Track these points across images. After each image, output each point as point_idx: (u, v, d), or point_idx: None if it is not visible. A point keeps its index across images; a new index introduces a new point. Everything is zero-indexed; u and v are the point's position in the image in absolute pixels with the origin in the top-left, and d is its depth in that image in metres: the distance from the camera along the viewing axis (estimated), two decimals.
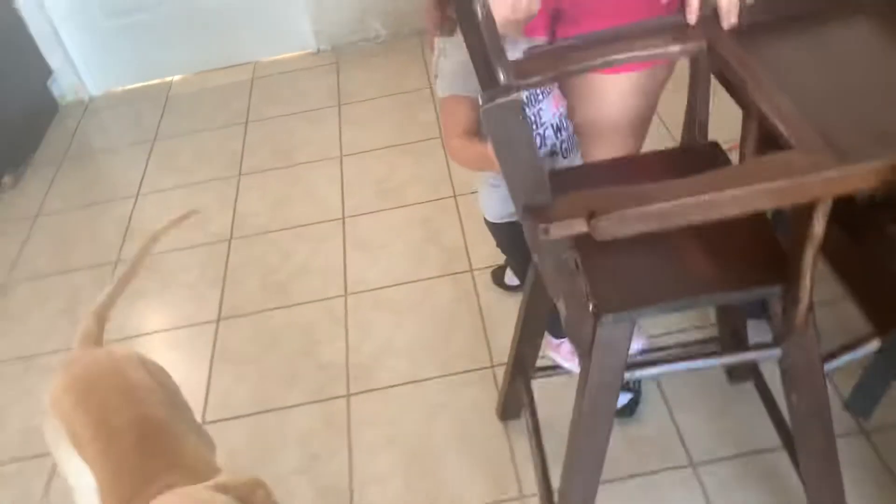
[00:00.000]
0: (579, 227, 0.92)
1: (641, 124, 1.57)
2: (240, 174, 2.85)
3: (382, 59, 3.38)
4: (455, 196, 2.57)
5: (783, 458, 1.69)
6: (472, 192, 2.55)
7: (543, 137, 1.46)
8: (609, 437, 1.22)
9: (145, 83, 3.47)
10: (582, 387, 1.16)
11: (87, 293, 2.45)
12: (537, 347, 1.68)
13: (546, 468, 1.57)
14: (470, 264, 2.31)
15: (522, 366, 1.70)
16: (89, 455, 1.20)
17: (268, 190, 2.76)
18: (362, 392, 2.01)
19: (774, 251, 1.11)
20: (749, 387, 1.85)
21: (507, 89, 0.86)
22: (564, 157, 1.49)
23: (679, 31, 1.18)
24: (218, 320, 2.29)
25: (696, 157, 1.30)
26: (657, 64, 1.46)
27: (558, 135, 1.47)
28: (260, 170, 2.86)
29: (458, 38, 1.34)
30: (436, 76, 1.41)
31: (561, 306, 1.06)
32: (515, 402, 1.82)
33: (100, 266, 2.55)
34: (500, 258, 2.25)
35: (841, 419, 1.74)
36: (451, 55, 1.37)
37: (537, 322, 1.60)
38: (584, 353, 1.12)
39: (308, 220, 2.59)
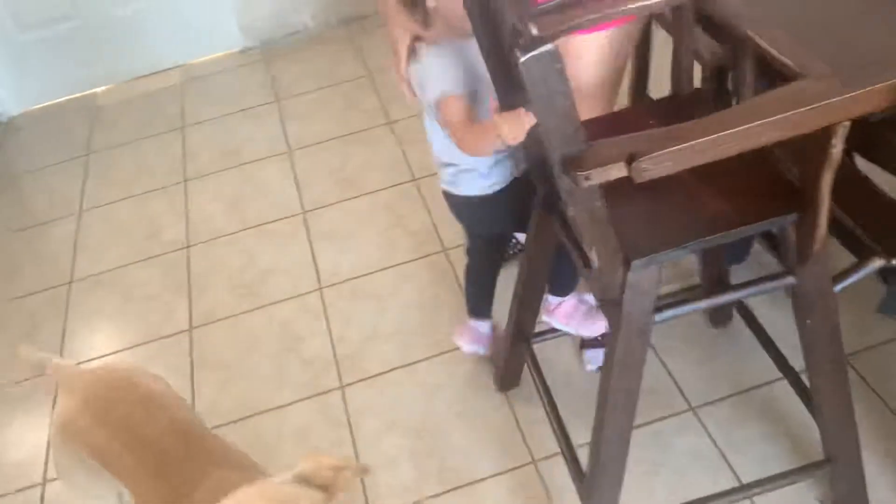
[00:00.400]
0: (618, 171, 0.93)
1: (617, 82, 1.61)
2: (185, 179, 2.77)
3: (313, 51, 3.32)
4: (415, 180, 2.56)
5: (774, 391, 1.78)
6: (432, 175, 2.55)
7: None
8: (640, 381, 1.25)
9: (68, 97, 3.31)
10: (614, 334, 1.18)
11: (45, 316, 2.34)
12: (536, 311, 1.70)
13: (563, 426, 1.60)
14: (442, 244, 2.31)
15: (522, 331, 1.72)
16: (123, 470, 1.15)
17: (219, 192, 2.68)
18: (355, 382, 1.99)
19: (781, 182, 1.16)
20: (731, 329, 1.92)
21: (542, 40, 0.87)
22: None
23: None
24: (190, 329, 2.22)
25: (686, 103, 1.33)
26: (631, 20, 1.49)
27: None
28: (207, 173, 2.78)
29: (434, 44, 1.42)
30: (418, 84, 1.45)
31: (593, 256, 1.08)
32: (514, 370, 1.84)
33: (54, 288, 2.43)
34: None
35: None
36: (428, 60, 1.42)
37: (537, 287, 1.62)
38: (615, 300, 1.14)
39: (267, 219, 2.53)
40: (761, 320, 1.71)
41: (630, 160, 0.92)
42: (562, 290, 1.74)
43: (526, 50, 0.86)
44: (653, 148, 0.91)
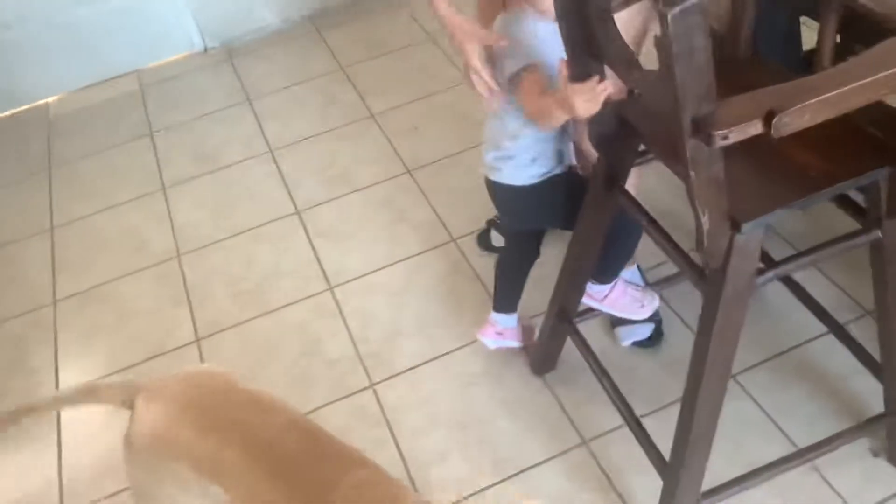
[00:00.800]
0: (756, 128, 0.92)
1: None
2: (164, 187, 2.63)
3: (279, 47, 3.22)
4: (409, 171, 2.50)
5: (809, 351, 1.82)
6: (426, 166, 2.51)
7: None
8: (736, 349, 1.24)
9: (16, 110, 3.11)
10: (713, 302, 1.17)
11: (32, 340, 2.19)
12: (583, 291, 1.68)
13: (625, 399, 1.58)
14: (450, 234, 2.26)
15: (566, 312, 1.69)
16: (243, 479, 1.06)
17: (202, 197, 2.56)
18: (386, 379, 1.93)
19: (865, 137, 1.17)
20: (754, 296, 1.95)
21: None
22: None
23: None
24: (198, 340, 2.11)
25: (744, 67, 1.33)
26: None
27: None
28: (186, 179, 2.65)
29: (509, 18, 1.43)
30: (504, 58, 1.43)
31: (705, 220, 1.06)
32: (553, 352, 1.82)
33: (37, 310, 2.27)
34: (480, 223, 2.22)
35: (844, 306, 1.87)
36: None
37: (587, 266, 1.60)
38: (717, 265, 1.13)
39: (259, 221, 2.44)
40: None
41: (769, 116, 0.90)
42: (607, 275, 1.71)
43: (671, 4, 0.84)
44: (791, 102, 0.90)
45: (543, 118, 1.36)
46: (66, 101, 3.14)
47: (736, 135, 0.91)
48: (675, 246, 1.27)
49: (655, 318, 1.88)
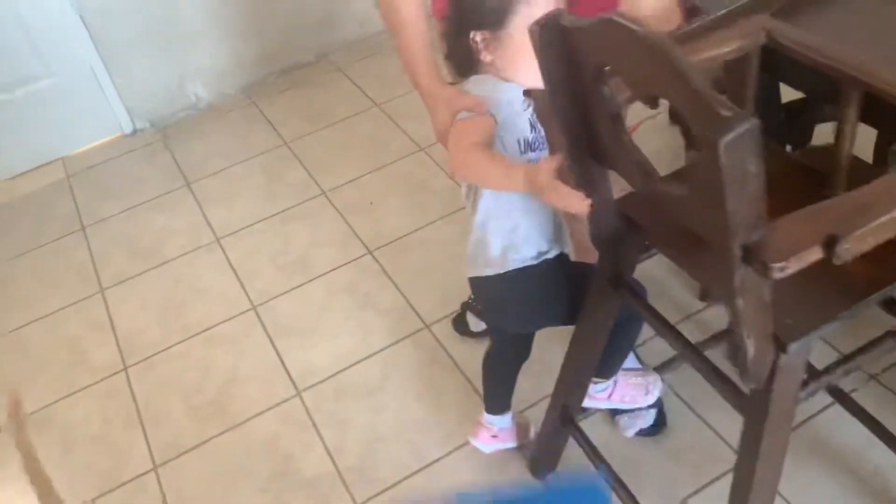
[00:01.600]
0: (814, 256, 0.81)
1: None
2: (102, 289, 2.41)
3: (214, 124, 3.04)
4: (370, 252, 2.35)
5: (818, 425, 1.72)
6: (387, 244, 2.36)
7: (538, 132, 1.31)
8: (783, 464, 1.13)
9: None
10: (758, 423, 1.05)
11: None
12: (586, 390, 1.55)
13: (636, 499, 1.45)
14: (422, 320, 2.11)
15: (569, 414, 1.56)
16: None
17: (146, 298, 2.35)
18: (372, 497, 1.75)
19: None
20: None
21: (743, 116, 0.72)
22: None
23: (731, 23, 1.12)
24: (155, 468, 1.90)
25: None
26: None
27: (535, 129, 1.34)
28: (126, 278, 2.43)
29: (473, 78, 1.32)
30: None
31: (750, 345, 0.94)
32: (555, 454, 1.68)
33: None
34: (454, 306, 2.08)
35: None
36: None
37: (589, 366, 1.47)
38: (760, 387, 1.01)
39: (212, 321, 2.24)
40: None
41: (829, 242, 0.79)
42: (607, 372, 1.59)
43: (728, 128, 0.72)
44: (853, 225, 0.79)
45: (474, 170, 1.24)
46: None
47: (794, 265, 0.80)
48: (711, 366, 1.15)
49: (656, 403, 1.76)
